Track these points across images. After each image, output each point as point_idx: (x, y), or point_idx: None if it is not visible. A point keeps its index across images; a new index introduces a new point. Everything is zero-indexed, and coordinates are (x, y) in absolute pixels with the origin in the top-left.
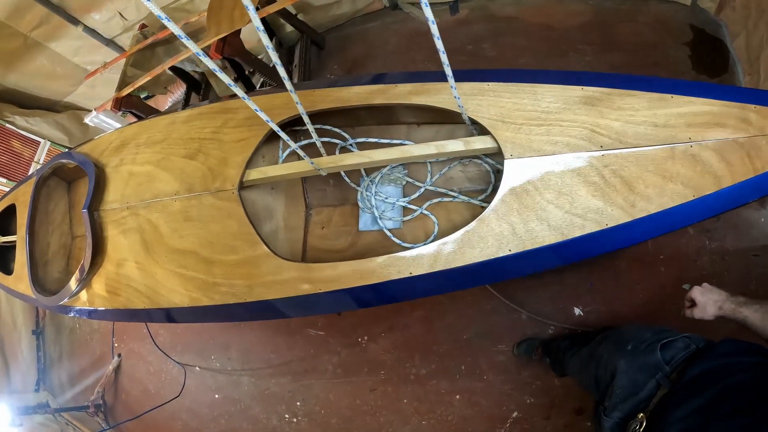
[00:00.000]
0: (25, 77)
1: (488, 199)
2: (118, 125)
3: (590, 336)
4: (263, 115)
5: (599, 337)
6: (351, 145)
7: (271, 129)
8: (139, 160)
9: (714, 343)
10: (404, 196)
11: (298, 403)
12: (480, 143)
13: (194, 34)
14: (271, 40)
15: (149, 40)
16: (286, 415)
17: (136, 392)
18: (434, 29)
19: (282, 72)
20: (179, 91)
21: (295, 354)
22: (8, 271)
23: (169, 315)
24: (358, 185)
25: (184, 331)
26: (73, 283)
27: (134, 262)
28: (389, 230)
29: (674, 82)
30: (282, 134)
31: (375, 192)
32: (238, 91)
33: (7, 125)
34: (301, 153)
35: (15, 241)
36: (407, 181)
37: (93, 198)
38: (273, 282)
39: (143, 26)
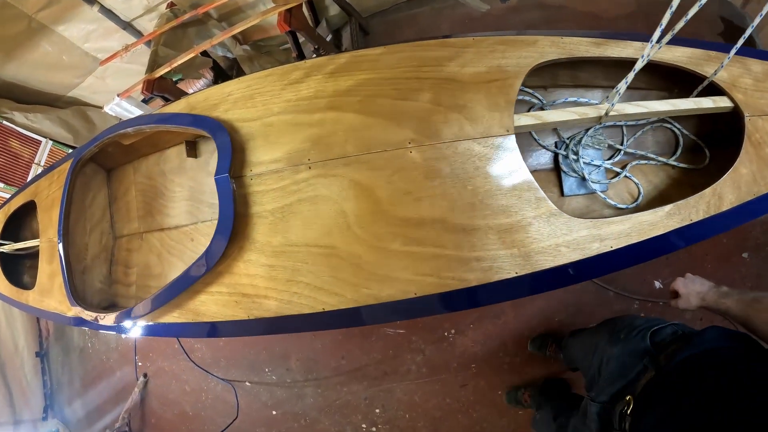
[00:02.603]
0: (26, 67)
1: (678, 160)
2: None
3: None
4: None
5: (597, 326)
6: (545, 106)
7: (534, 66)
8: (309, 107)
9: (700, 330)
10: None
11: (378, 411)
12: (722, 102)
13: (227, 16)
14: (317, 23)
15: (180, 19)
16: (363, 425)
17: (169, 415)
18: None
19: None
20: (209, 76)
21: (372, 357)
22: (24, 286)
23: (372, 315)
24: (556, 148)
25: (227, 344)
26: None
27: (313, 246)
28: (602, 193)
29: None
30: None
31: (580, 155)
32: None
33: (5, 122)
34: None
35: (34, 247)
36: (608, 144)
37: (232, 161)
38: (556, 246)
39: (172, 4)
